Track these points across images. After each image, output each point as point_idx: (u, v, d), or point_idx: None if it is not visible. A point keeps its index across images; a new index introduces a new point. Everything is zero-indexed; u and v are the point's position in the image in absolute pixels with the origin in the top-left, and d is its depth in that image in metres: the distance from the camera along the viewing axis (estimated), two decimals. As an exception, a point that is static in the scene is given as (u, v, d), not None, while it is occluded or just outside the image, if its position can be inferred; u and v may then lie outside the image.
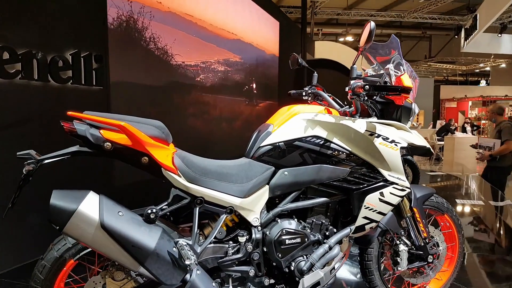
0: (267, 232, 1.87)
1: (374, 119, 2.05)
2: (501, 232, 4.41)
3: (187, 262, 1.57)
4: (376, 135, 1.92)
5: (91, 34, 3.63)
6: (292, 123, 1.92)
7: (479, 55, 18.96)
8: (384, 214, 2.02)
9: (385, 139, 1.94)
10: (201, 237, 1.83)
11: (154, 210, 1.63)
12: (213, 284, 1.75)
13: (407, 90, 1.88)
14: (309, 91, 2.36)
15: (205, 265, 1.81)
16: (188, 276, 1.65)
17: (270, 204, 1.93)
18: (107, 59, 3.78)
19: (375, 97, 2.05)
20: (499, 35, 14.65)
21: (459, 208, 5.25)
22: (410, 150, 2.05)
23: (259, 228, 1.88)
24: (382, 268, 2.29)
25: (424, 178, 7.63)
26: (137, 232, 1.54)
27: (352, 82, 1.92)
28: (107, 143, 1.59)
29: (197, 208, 1.75)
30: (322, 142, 1.88)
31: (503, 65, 22.51)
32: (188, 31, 5.10)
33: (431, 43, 21.25)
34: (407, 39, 21.01)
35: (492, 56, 19.67)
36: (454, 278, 2.46)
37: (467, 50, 15.04)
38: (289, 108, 2.03)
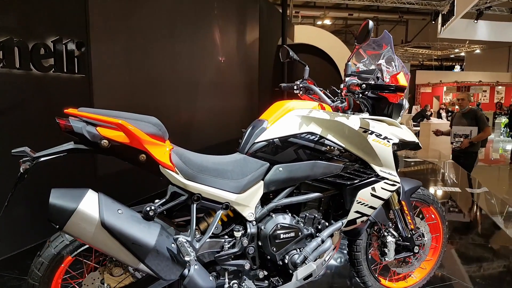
0: (262, 227, 1.91)
1: (366, 114, 2.09)
2: (478, 218, 4.58)
3: (186, 259, 1.60)
4: (369, 132, 1.96)
5: (72, 20, 3.54)
6: (287, 119, 1.94)
7: (455, 40, 19.27)
8: (375, 208, 2.08)
9: (378, 135, 1.98)
10: (197, 232, 1.85)
11: (153, 208, 1.64)
12: (210, 278, 1.78)
13: (402, 89, 1.93)
14: (301, 85, 2.36)
15: (201, 260, 1.84)
16: (186, 271, 1.67)
17: (265, 199, 1.96)
18: (89, 45, 3.70)
19: (367, 92, 2.08)
20: (475, 21, 14.86)
21: (437, 196, 5.41)
22: (401, 146, 2.10)
23: (254, 222, 1.91)
24: (369, 258, 2.36)
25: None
26: (137, 230, 1.55)
27: (347, 79, 1.95)
28: (104, 141, 1.58)
29: (195, 205, 1.77)
30: (317, 138, 1.91)
31: (478, 51, 22.98)
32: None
33: (408, 28, 21.48)
34: (384, 24, 21.18)
35: (467, 42, 20.03)
36: (437, 267, 2.56)
37: (444, 36, 15.26)
38: (283, 103, 2.04)
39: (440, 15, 14.88)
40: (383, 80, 2.15)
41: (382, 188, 2.05)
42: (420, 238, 2.34)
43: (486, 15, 14.87)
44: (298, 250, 1.96)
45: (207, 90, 6.31)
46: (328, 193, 2.05)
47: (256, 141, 1.94)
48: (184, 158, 1.76)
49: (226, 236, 1.90)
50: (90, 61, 3.73)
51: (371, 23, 1.83)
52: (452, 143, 5.69)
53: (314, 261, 1.96)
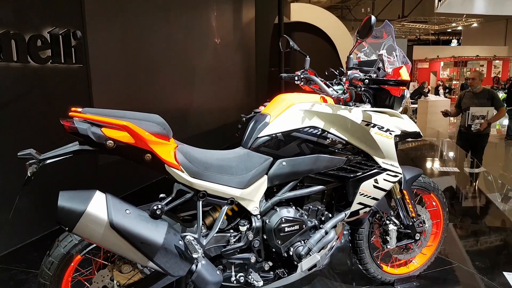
0: (267, 221, 1.94)
1: (368, 106, 2.10)
2: (478, 199, 4.62)
3: (194, 256, 1.64)
4: (372, 125, 1.98)
5: (68, 9, 3.49)
6: (289, 113, 1.95)
7: (452, 15, 19.08)
8: (377, 200, 2.11)
9: (380, 128, 2.00)
10: (203, 227, 1.88)
11: (160, 206, 1.67)
12: (217, 272, 1.82)
13: (404, 83, 1.93)
14: (302, 76, 2.36)
15: (208, 254, 1.88)
16: (194, 266, 1.71)
17: (268, 193, 1.99)
18: (85, 35, 3.66)
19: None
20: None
21: (435, 177, 5.45)
22: (403, 137, 2.11)
23: (259, 216, 1.94)
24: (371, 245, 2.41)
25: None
26: (145, 229, 1.57)
27: (349, 72, 1.95)
28: (110, 142, 1.59)
29: (201, 202, 1.79)
30: (319, 132, 1.93)
31: (475, 25, 22.80)
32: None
33: (404, 2, 21.21)
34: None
35: (464, 16, 19.84)
36: (438, 252, 2.61)
37: (441, 11, 15.08)
38: (285, 97, 2.04)
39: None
40: (385, 71, 2.15)
41: (384, 179, 2.08)
42: (421, 225, 2.38)
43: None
44: (302, 242, 2.00)
45: (204, 73, 6.28)
46: (331, 186, 2.08)
47: (259, 135, 1.95)
48: (189, 156, 1.77)
49: (231, 230, 1.93)
50: (87, 51, 3.70)
51: (373, 18, 1.82)
52: (469, 125, 5.31)
53: (318, 252, 2.00)
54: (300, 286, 2.51)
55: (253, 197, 1.91)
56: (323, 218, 2.09)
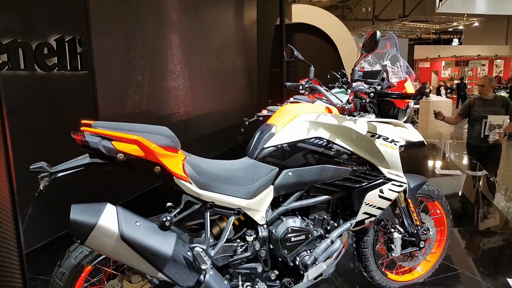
0: (273, 230, 1.96)
1: (373, 116, 2.12)
2: (481, 204, 4.61)
3: (203, 267, 1.66)
4: (377, 136, 2.00)
5: (73, 17, 3.52)
6: (295, 124, 1.98)
7: (453, 14, 19.07)
8: (383, 209, 2.13)
9: (385, 139, 2.02)
10: (210, 237, 1.91)
11: (168, 218, 1.70)
12: (225, 282, 1.85)
13: (409, 97, 1.96)
14: (306, 85, 2.39)
15: (215, 264, 1.91)
16: (202, 277, 1.74)
17: (275, 203, 2.01)
18: (91, 41, 3.69)
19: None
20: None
21: (438, 180, 5.45)
22: (407, 147, 2.14)
23: (265, 226, 1.96)
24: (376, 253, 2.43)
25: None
26: (155, 241, 1.60)
27: (354, 84, 1.97)
28: (120, 155, 1.62)
29: (208, 213, 1.82)
30: (325, 143, 1.95)
31: (476, 24, 22.77)
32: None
33: (405, 2, 21.19)
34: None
35: (465, 15, 19.82)
36: (442, 258, 2.64)
37: (442, 10, 15.09)
38: (291, 108, 2.07)
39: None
40: (389, 81, 2.18)
41: (389, 189, 2.11)
42: (426, 233, 2.41)
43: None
44: (308, 251, 2.02)
45: (207, 76, 6.31)
46: (336, 195, 2.11)
47: (265, 146, 1.97)
48: (197, 167, 1.80)
49: (238, 240, 1.95)
50: (92, 57, 3.73)
51: (378, 33, 1.85)
52: (486, 136, 4.68)
53: (324, 261, 2.03)
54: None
55: (259, 207, 1.93)
56: (328, 228, 2.11)
